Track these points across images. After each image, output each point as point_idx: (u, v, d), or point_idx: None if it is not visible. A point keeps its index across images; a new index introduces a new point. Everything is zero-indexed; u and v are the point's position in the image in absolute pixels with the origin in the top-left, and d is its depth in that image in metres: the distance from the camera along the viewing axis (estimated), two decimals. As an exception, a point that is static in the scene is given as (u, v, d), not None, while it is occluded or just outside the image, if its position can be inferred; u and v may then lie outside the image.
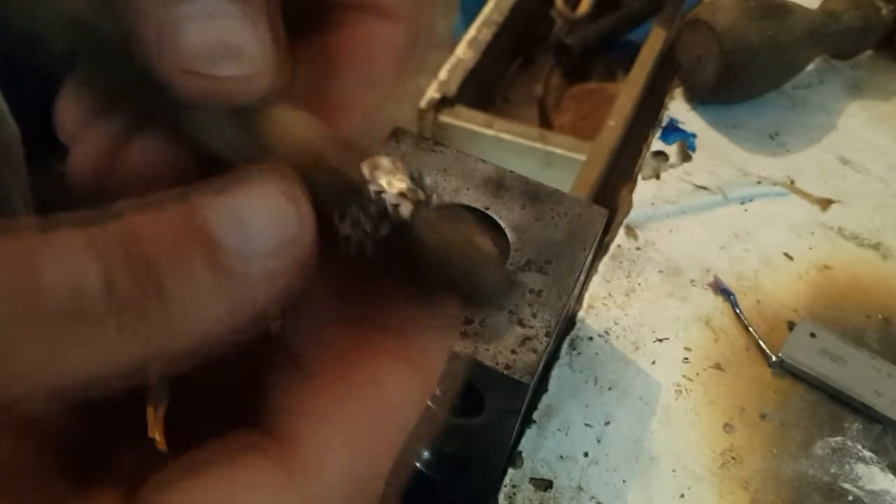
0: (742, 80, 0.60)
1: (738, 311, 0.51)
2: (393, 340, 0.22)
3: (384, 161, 0.22)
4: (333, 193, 0.22)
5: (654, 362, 0.48)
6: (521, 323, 0.41)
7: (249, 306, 0.20)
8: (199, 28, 0.20)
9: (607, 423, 0.46)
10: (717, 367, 0.49)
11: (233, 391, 0.27)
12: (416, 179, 0.22)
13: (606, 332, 0.49)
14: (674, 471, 0.45)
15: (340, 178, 0.22)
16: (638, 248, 0.54)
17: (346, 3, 0.25)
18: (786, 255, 0.54)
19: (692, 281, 0.53)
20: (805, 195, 0.57)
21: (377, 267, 0.22)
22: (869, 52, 0.67)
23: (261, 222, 0.20)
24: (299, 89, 0.25)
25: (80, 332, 0.17)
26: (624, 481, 0.44)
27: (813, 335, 0.50)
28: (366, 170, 0.22)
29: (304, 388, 0.21)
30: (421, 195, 0.22)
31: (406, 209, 0.21)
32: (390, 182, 0.21)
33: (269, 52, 0.21)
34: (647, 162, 0.59)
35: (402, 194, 0.21)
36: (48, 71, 0.25)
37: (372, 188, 0.21)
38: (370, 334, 0.22)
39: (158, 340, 0.18)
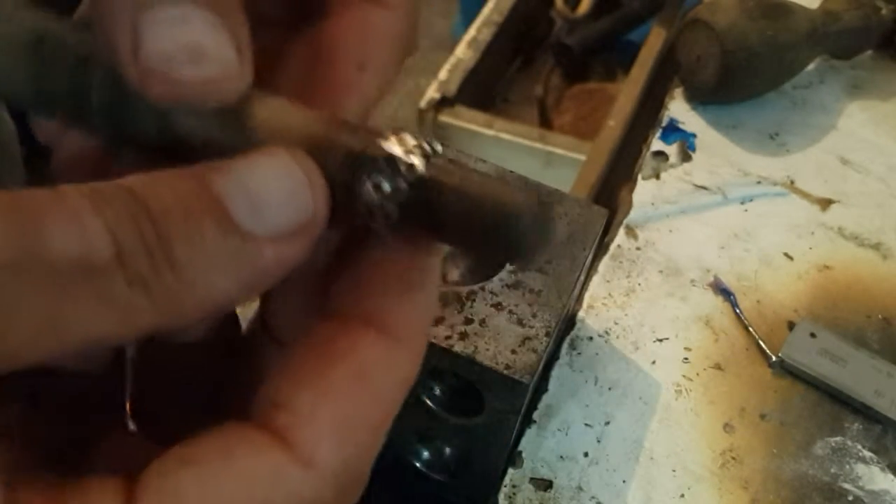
0: (742, 80, 0.60)
1: (738, 311, 0.51)
2: (376, 323, 0.22)
3: (386, 130, 0.22)
4: (344, 167, 0.22)
5: (654, 362, 0.48)
6: (520, 323, 0.41)
7: (259, 276, 0.20)
8: (166, 32, 0.20)
9: (607, 423, 0.46)
10: (717, 367, 0.49)
11: (202, 374, 0.27)
12: (420, 138, 0.22)
13: (606, 332, 0.49)
14: (674, 471, 0.45)
15: (349, 151, 0.22)
16: (638, 248, 0.54)
17: None
18: (786, 255, 0.54)
19: (692, 281, 0.53)
20: (805, 195, 0.57)
21: (404, 231, 0.22)
22: (869, 52, 0.67)
23: (273, 191, 0.20)
24: (296, 77, 0.26)
25: (87, 291, 0.17)
26: (624, 481, 0.44)
27: (813, 335, 0.50)
28: (372, 139, 0.22)
29: (291, 376, 0.21)
30: (428, 149, 0.22)
31: (420, 162, 0.21)
32: (399, 142, 0.22)
33: (233, 55, 0.21)
34: (647, 162, 0.59)
35: (410, 151, 0.21)
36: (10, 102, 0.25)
37: (382, 153, 0.21)
38: (355, 320, 0.22)
39: (166, 305, 0.18)
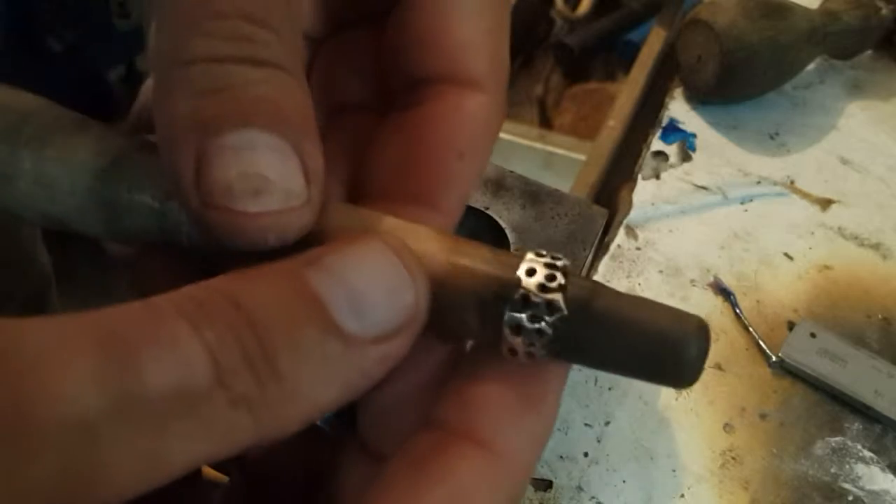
0: (742, 80, 0.60)
1: (738, 311, 0.51)
2: (483, 438, 0.20)
3: (507, 254, 0.21)
4: (472, 304, 0.20)
5: (654, 362, 0.48)
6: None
7: (363, 379, 0.18)
8: (230, 161, 0.19)
9: (607, 423, 0.46)
10: (718, 367, 0.49)
11: (294, 479, 0.25)
12: (550, 263, 0.20)
13: (606, 332, 0.49)
14: (674, 471, 0.44)
15: (474, 290, 0.20)
16: (638, 248, 0.54)
17: (435, 77, 0.24)
18: (786, 255, 0.54)
19: (692, 281, 0.53)
20: (805, 195, 0.57)
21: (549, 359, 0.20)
22: (869, 52, 0.67)
23: (374, 287, 0.18)
24: (390, 167, 0.24)
25: (188, 422, 0.16)
26: (624, 481, 0.44)
27: (813, 335, 0.50)
28: (499, 272, 0.20)
29: (387, 494, 0.19)
30: (561, 278, 0.20)
31: (558, 298, 0.19)
32: (528, 271, 0.20)
33: (301, 185, 0.19)
34: (647, 162, 0.59)
35: (545, 286, 0.19)
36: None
37: (515, 292, 0.19)
38: (458, 433, 0.20)
39: (272, 420, 0.17)
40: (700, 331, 0.19)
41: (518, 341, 0.19)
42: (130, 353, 0.15)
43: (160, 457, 0.16)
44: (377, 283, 0.19)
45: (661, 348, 0.19)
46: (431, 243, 0.21)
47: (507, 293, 0.20)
